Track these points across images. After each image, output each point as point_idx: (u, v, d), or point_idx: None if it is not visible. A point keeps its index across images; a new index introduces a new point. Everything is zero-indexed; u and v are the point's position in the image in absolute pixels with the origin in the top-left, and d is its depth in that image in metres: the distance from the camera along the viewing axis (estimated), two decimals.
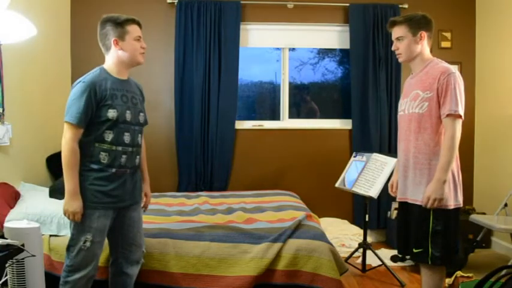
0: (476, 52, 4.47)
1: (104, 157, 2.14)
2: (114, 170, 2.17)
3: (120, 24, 2.18)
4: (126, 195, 2.25)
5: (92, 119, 2.12)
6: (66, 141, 2.08)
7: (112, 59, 2.23)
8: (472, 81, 4.44)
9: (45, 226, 2.67)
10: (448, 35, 4.41)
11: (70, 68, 4.16)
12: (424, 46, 2.36)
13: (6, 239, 2.00)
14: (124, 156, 2.19)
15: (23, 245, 1.92)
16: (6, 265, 1.96)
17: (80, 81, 2.14)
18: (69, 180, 2.07)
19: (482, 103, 4.37)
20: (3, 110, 2.93)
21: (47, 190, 3.07)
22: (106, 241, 2.33)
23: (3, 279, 1.95)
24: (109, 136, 2.14)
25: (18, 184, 3.10)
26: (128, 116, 2.20)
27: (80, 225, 2.13)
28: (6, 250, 1.83)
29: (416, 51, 2.36)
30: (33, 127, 3.43)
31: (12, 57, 3.07)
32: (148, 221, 2.97)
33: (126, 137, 2.20)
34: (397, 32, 2.39)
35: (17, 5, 2.87)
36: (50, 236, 2.70)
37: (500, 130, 4.07)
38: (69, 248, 2.16)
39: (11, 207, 2.75)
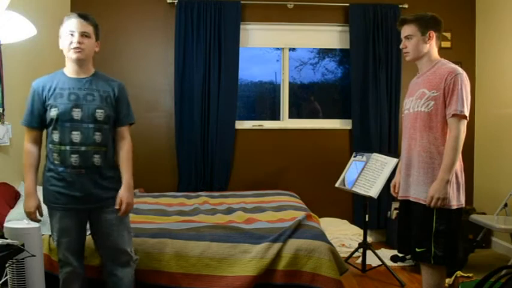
0: (476, 52, 4.47)
1: (55, 157, 2.17)
2: (67, 169, 2.16)
3: (64, 20, 2.20)
4: (87, 197, 2.19)
5: (43, 121, 2.19)
6: (24, 143, 2.20)
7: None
8: (472, 81, 4.41)
9: (45, 226, 2.66)
10: (448, 35, 4.41)
11: None
12: (432, 46, 2.37)
13: (6, 239, 2.00)
14: (74, 155, 2.14)
15: (23, 245, 1.93)
16: (6, 265, 1.96)
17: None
18: (25, 180, 2.18)
19: (482, 103, 4.37)
20: (3, 110, 2.93)
21: None
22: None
23: (3, 279, 1.95)
24: (56, 136, 2.16)
25: (18, 184, 3.09)
26: (76, 114, 2.15)
27: (50, 225, 2.23)
28: (6, 250, 1.83)
29: (424, 51, 2.37)
30: None
31: (13, 57, 3.07)
32: (148, 221, 2.97)
33: (75, 136, 2.15)
34: (406, 30, 2.39)
35: (17, 5, 2.87)
36: (50, 236, 2.69)
37: (500, 130, 4.07)
38: None
39: (11, 207, 2.75)
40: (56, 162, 2.16)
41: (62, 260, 2.24)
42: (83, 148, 2.15)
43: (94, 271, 2.55)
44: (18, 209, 2.71)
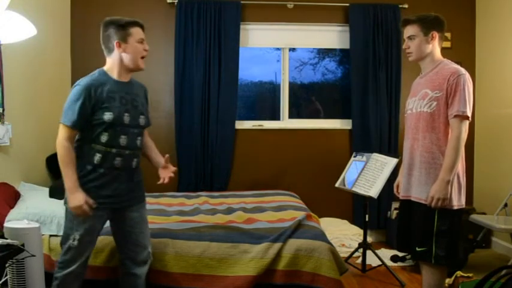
0: (476, 52, 4.47)
1: (97, 158, 2.15)
2: (106, 171, 2.16)
3: (123, 27, 2.18)
4: (121, 197, 2.24)
5: (88, 121, 2.13)
6: (59, 140, 2.11)
7: (113, 62, 2.22)
8: (472, 81, 4.41)
9: (45, 226, 2.67)
10: (448, 35, 4.41)
11: (70, 68, 4.16)
12: (435, 46, 2.38)
13: (6, 239, 2.00)
14: (118, 158, 2.18)
15: (23, 245, 1.93)
16: (6, 265, 1.96)
17: (76, 84, 2.15)
18: (67, 176, 2.10)
19: (482, 103, 4.37)
20: (3, 110, 2.93)
21: (47, 190, 3.07)
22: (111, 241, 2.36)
23: (3, 279, 1.95)
24: (104, 138, 2.15)
25: (18, 184, 3.10)
26: (126, 118, 2.19)
27: (69, 224, 2.17)
28: (6, 250, 1.83)
29: (427, 51, 2.37)
30: (33, 127, 3.43)
31: (13, 57, 3.07)
32: (148, 221, 2.97)
33: (122, 140, 2.18)
34: (409, 30, 2.39)
35: (17, 5, 2.86)
36: (50, 236, 2.70)
37: (500, 130, 4.07)
38: (61, 245, 2.22)
39: (11, 207, 2.75)
40: (96, 162, 2.15)
41: (68, 260, 2.17)
42: (127, 152, 2.21)
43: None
44: (18, 209, 2.72)
